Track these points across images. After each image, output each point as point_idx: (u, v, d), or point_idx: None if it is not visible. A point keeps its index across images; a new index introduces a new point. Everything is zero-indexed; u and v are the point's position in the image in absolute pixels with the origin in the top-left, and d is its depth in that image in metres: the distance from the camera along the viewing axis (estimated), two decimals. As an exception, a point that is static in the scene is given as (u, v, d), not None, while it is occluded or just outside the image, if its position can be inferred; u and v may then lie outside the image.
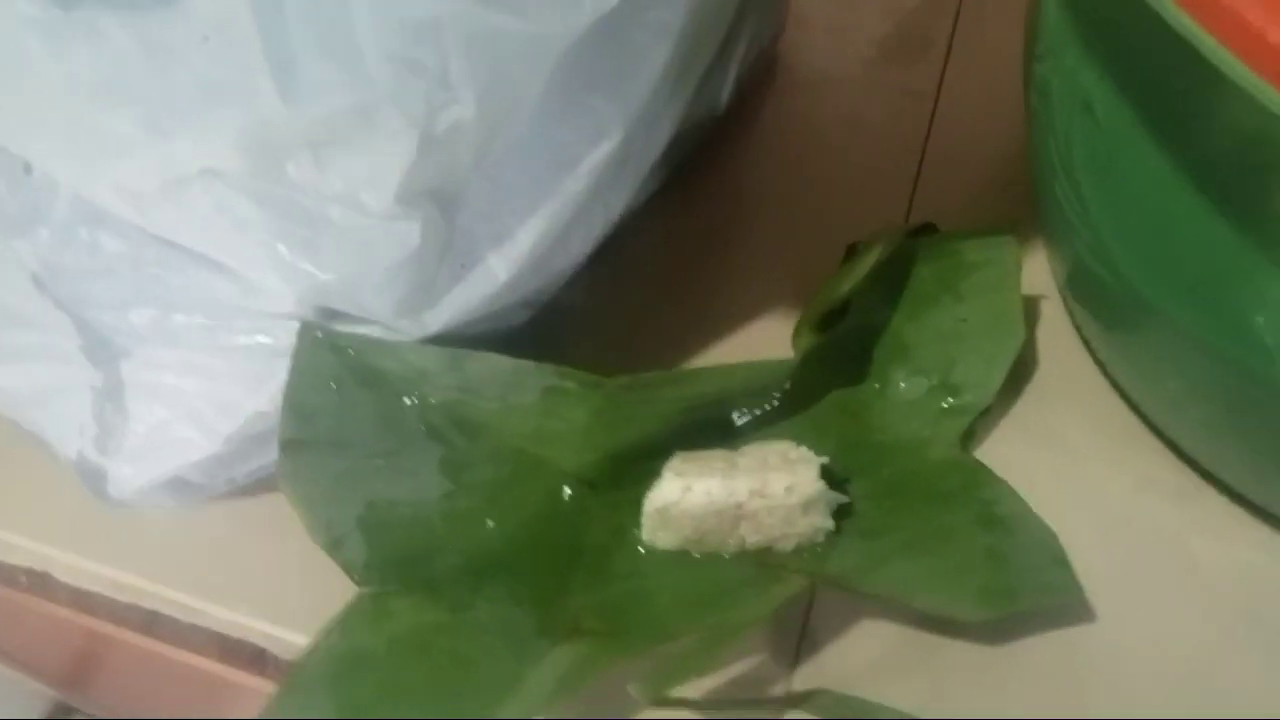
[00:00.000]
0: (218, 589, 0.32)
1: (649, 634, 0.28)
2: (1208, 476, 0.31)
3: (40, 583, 0.42)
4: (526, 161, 0.26)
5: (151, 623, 0.43)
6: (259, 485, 0.32)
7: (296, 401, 0.26)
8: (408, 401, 0.27)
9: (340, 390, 0.26)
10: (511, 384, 0.27)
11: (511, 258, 0.26)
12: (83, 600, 0.43)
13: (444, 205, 0.25)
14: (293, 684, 0.27)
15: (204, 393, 0.27)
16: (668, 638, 0.28)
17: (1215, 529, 0.31)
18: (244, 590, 0.31)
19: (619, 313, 0.35)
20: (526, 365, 0.27)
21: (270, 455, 0.31)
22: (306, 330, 0.26)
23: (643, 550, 0.30)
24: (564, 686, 0.27)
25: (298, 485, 0.27)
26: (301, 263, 0.25)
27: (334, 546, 0.27)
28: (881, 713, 0.28)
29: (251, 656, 0.42)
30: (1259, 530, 0.31)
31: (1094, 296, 0.31)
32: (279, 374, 0.27)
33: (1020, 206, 0.35)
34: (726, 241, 0.38)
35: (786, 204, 0.38)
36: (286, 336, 0.27)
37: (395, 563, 0.28)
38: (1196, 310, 0.25)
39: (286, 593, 0.31)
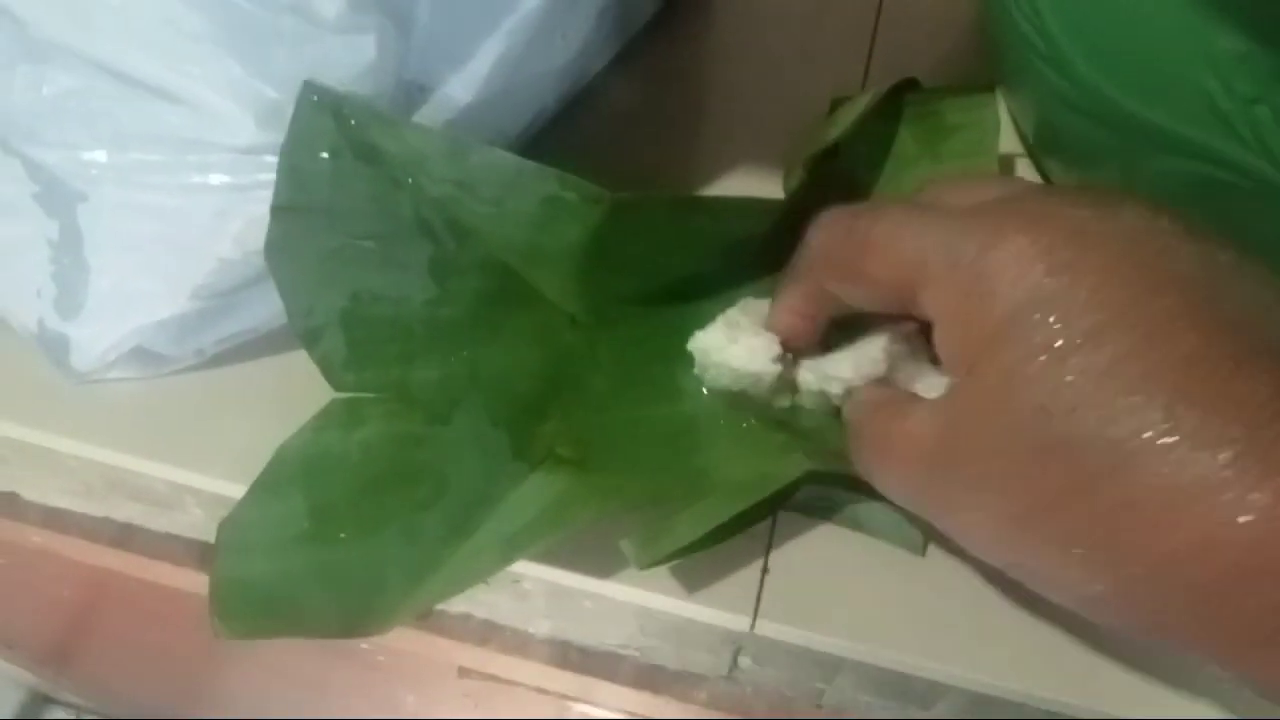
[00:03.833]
0: (192, 456, 0.31)
1: (623, 468, 0.28)
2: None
3: (8, 504, 0.42)
4: (480, -23, 0.25)
5: (125, 536, 0.43)
6: (229, 356, 0.32)
7: (291, 165, 0.25)
8: (404, 187, 0.26)
9: (335, 160, 0.25)
10: (511, 185, 0.26)
11: (471, 79, 0.26)
12: (54, 519, 0.43)
13: (398, 17, 0.24)
14: (263, 482, 0.27)
15: (165, 237, 0.27)
16: (641, 474, 0.28)
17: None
18: (219, 456, 0.31)
19: (592, 172, 0.35)
20: (529, 166, 0.26)
21: (238, 320, 0.31)
22: (307, 90, 0.24)
23: (619, 385, 0.30)
24: (546, 521, 0.27)
25: (285, 259, 0.26)
26: (255, 81, 0.24)
27: (312, 338, 0.27)
28: (866, 504, 0.28)
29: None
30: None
31: (1060, 128, 0.31)
32: (241, 215, 0.27)
33: (977, 65, 0.36)
34: (687, 111, 0.38)
35: (738, 75, 0.38)
36: (247, 172, 0.26)
37: (372, 366, 0.28)
38: (1156, 97, 0.25)
39: (262, 460, 0.31)
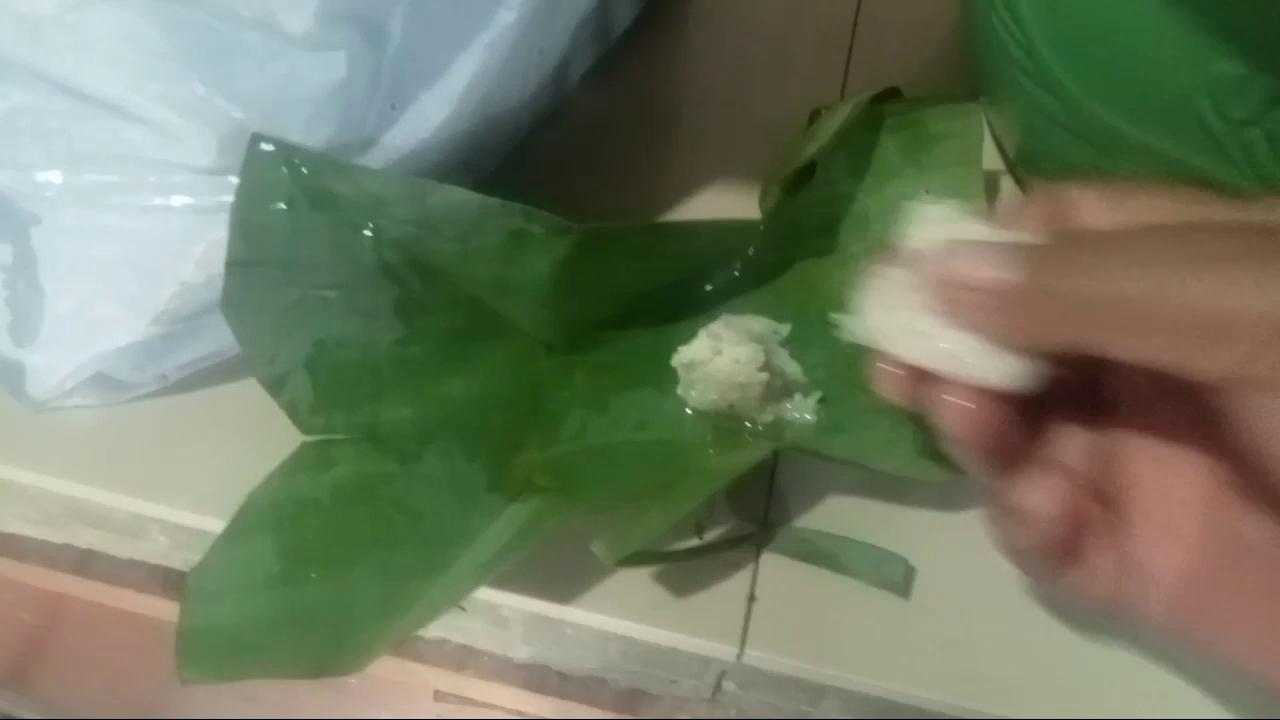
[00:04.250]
0: (157, 487, 0.30)
1: (603, 492, 0.28)
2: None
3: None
4: (455, -9, 0.25)
5: (85, 561, 0.41)
6: (192, 381, 0.31)
7: (244, 219, 0.24)
8: (364, 232, 0.25)
9: (291, 211, 0.24)
10: (474, 224, 0.26)
11: (445, 96, 0.25)
12: (10, 545, 0.41)
13: (369, 33, 0.23)
14: (232, 529, 0.26)
15: (124, 260, 0.26)
16: (622, 496, 0.28)
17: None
18: (185, 487, 0.30)
19: (568, 187, 0.34)
20: (492, 204, 0.25)
21: (202, 345, 0.30)
22: (255, 141, 0.24)
23: (596, 412, 0.29)
24: (519, 539, 0.26)
25: (243, 312, 0.25)
26: (218, 99, 0.23)
27: (276, 385, 0.26)
28: (846, 545, 0.27)
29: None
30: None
31: (1044, 144, 0.30)
32: (204, 238, 0.26)
33: (957, 75, 0.35)
34: (663, 124, 0.37)
35: (714, 87, 0.38)
36: (210, 194, 0.25)
37: (341, 409, 0.27)
38: (1145, 117, 0.25)
39: (229, 490, 0.30)
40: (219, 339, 0.29)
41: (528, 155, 0.33)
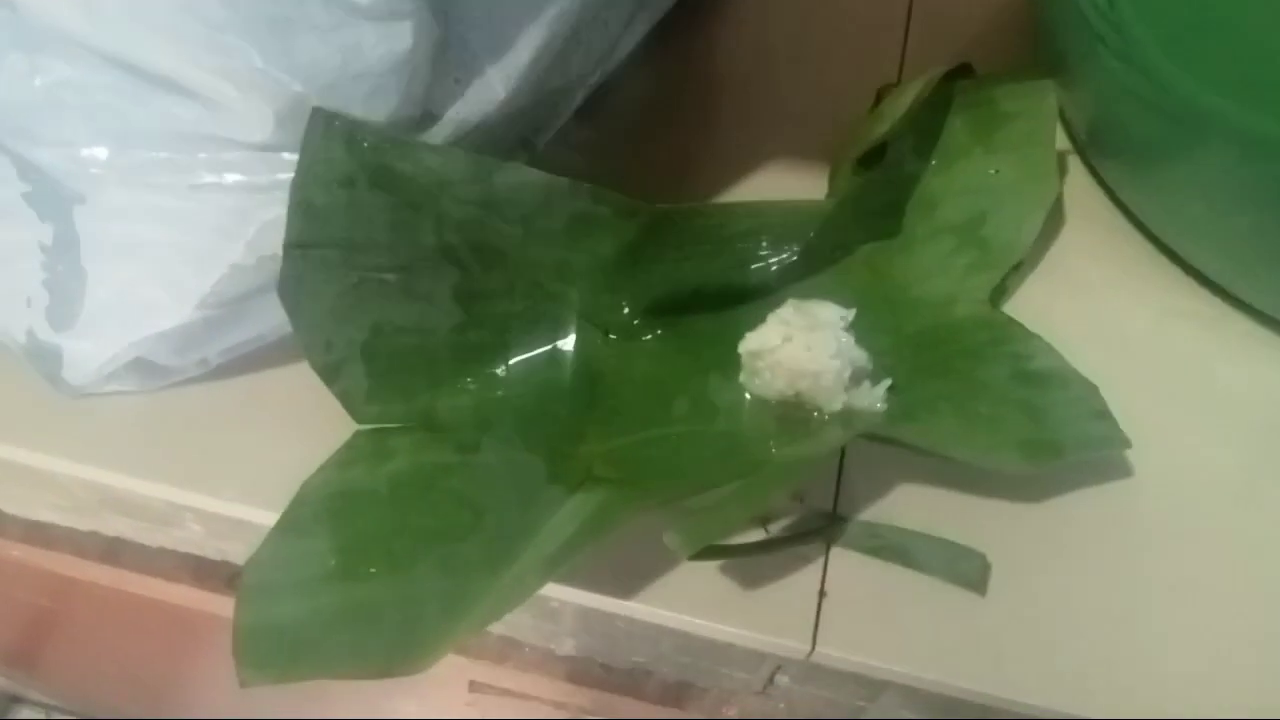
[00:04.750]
0: (196, 476, 0.29)
1: (666, 482, 0.27)
2: (1232, 302, 0.31)
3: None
4: (523, -41, 0.23)
5: (114, 550, 0.40)
6: (234, 366, 0.30)
7: (304, 198, 0.23)
8: (425, 213, 0.24)
9: (351, 190, 0.24)
10: (540, 204, 0.25)
11: (511, 69, 0.24)
12: (36, 533, 0.40)
13: (436, 4, 0.22)
14: (286, 522, 0.25)
15: (171, 242, 0.25)
16: (685, 485, 0.27)
17: (1240, 352, 0.30)
18: (225, 476, 0.29)
19: (614, 165, 0.33)
20: (560, 183, 0.24)
21: (246, 329, 0.28)
22: (317, 116, 0.23)
23: (657, 401, 0.28)
24: (584, 533, 0.25)
25: (300, 297, 0.24)
26: (277, 72, 0.22)
27: (331, 373, 0.25)
28: (920, 541, 0.26)
29: (229, 577, 0.39)
30: (1281, 349, 0.30)
31: (1124, 124, 0.29)
32: (257, 219, 0.25)
33: (1018, 55, 0.34)
34: (710, 101, 0.36)
35: (764, 63, 0.36)
36: (265, 171, 0.24)
37: (397, 397, 0.26)
38: (1242, 97, 0.23)
39: (271, 479, 0.28)
40: (263, 323, 0.28)
41: (572, 132, 0.32)
